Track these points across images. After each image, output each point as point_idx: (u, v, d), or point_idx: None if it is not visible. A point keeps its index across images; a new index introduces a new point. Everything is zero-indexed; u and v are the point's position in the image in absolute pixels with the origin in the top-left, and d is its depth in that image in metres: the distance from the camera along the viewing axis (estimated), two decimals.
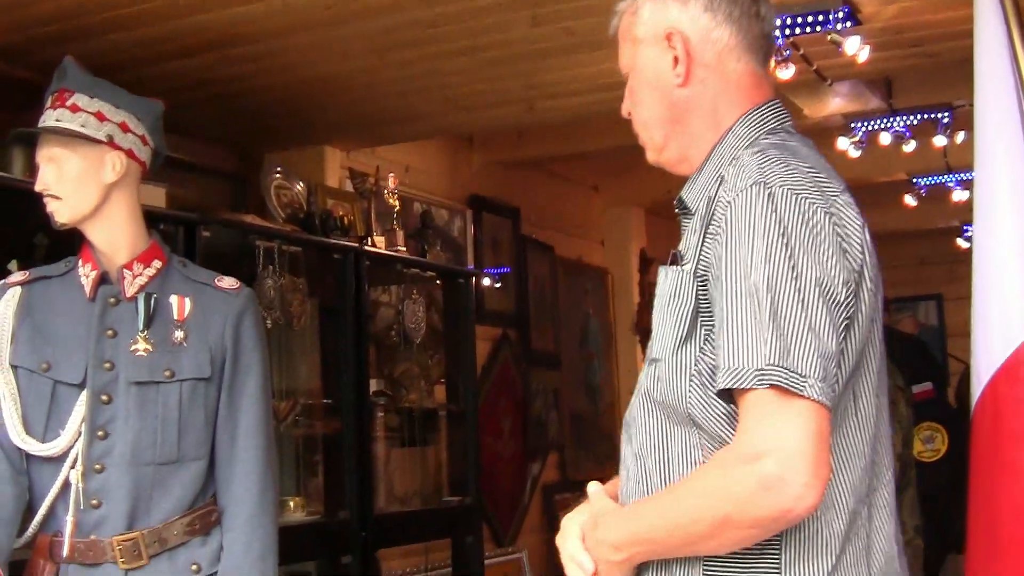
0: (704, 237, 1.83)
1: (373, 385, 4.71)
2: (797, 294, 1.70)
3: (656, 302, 1.93)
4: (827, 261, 1.74)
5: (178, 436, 2.67)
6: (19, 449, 2.65)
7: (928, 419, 6.54)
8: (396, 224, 5.06)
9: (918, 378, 6.11)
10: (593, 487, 2.02)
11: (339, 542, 4.30)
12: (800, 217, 1.74)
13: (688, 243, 1.88)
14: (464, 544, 5.04)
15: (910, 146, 6.23)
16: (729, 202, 1.79)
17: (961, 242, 8.82)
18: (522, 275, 6.95)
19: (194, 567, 2.67)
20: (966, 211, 6.10)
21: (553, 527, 7.03)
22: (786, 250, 1.71)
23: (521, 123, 5.73)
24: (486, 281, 6.51)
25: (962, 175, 7.00)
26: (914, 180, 7.31)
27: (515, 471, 6.69)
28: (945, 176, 7.16)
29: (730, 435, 1.77)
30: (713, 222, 1.81)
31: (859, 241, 1.80)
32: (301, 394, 4.43)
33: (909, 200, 7.43)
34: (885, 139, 6.13)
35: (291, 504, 4.23)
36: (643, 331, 8.01)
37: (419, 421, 5.09)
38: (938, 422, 6.49)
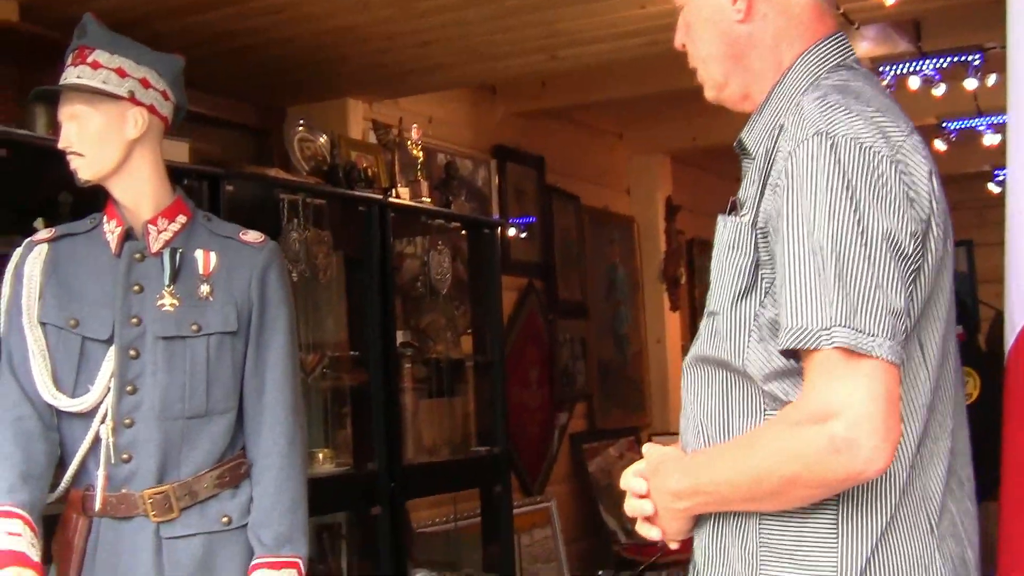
0: (763, 188, 1.79)
1: (400, 337, 4.71)
2: (863, 250, 1.66)
3: (715, 252, 1.89)
4: (894, 213, 1.69)
5: (206, 390, 2.68)
6: (49, 405, 2.67)
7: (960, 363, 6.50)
8: (420, 175, 5.04)
9: None
10: (648, 446, 2.00)
11: (368, 493, 4.32)
12: (864, 168, 1.69)
13: (747, 192, 1.84)
14: (493, 494, 5.06)
15: (940, 90, 6.16)
16: (790, 153, 1.74)
17: (992, 187, 8.74)
18: (547, 225, 6.93)
19: (224, 519, 2.69)
20: (997, 155, 6.05)
21: (581, 476, 7.06)
22: (851, 203, 1.67)
23: (544, 72, 5.69)
24: (511, 231, 6.50)
25: (993, 118, 6.93)
26: (944, 124, 7.24)
27: (543, 421, 6.70)
28: (976, 120, 7.09)
29: (788, 392, 1.76)
30: (773, 173, 1.77)
31: (926, 188, 1.74)
32: (328, 346, 4.44)
33: (939, 145, 7.36)
34: (914, 83, 6.07)
35: (320, 456, 4.24)
36: (670, 279, 8.00)
37: (446, 372, 5.10)
38: (970, 366, 6.46)
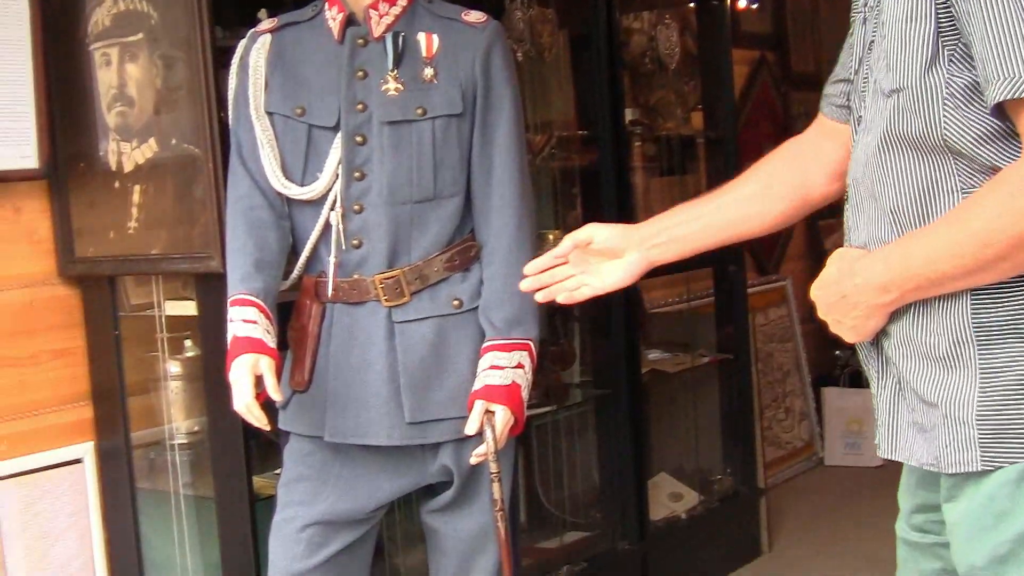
0: None
1: (628, 114, 4.62)
2: None
3: (891, 28, 1.79)
4: None
5: (433, 173, 2.67)
6: (280, 194, 2.71)
7: None
8: None
9: None
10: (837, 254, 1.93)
11: None
12: None
13: None
14: (726, 273, 4.99)
15: None
16: None
17: None
18: None
19: (455, 302, 2.70)
20: None
21: (817, 254, 6.94)
22: None
23: None
24: (742, 2, 6.29)
25: None
26: None
27: None
28: None
29: (997, 156, 1.67)
30: None
31: None
32: (556, 126, 4.38)
33: None
34: None
35: (550, 237, 4.22)
36: None
37: (677, 149, 5.01)
38: None
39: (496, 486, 2.61)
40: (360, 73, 2.67)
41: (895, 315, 1.82)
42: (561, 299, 2.25)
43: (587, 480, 4.54)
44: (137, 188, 3.22)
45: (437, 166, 2.67)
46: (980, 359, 1.72)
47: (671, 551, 4.53)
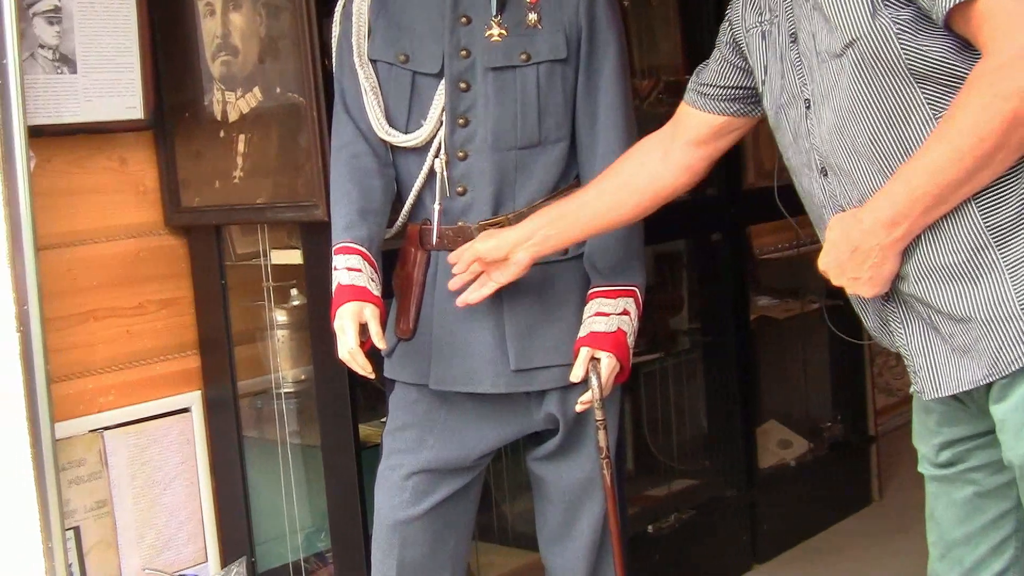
0: None
1: None
2: None
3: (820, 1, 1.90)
4: None
5: (538, 119, 2.64)
6: (384, 141, 2.70)
7: None
8: None
9: None
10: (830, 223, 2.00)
11: (708, 219, 4.25)
12: None
13: None
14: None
15: None
16: None
17: None
18: None
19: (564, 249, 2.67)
20: None
21: None
22: None
23: None
24: None
25: None
26: None
27: None
28: None
29: (960, 67, 1.77)
30: None
31: None
32: (663, 71, 4.33)
33: None
34: None
35: None
36: None
37: None
38: None
39: (602, 434, 2.60)
40: (463, 19, 2.65)
41: (907, 255, 1.87)
42: (472, 299, 2.56)
43: (695, 427, 4.51)
44: (242, 137, 3.23)
45: (541, 112, 2.65)
46: (1003, 257, 1.80)
47: (780, 499, 4.49)
